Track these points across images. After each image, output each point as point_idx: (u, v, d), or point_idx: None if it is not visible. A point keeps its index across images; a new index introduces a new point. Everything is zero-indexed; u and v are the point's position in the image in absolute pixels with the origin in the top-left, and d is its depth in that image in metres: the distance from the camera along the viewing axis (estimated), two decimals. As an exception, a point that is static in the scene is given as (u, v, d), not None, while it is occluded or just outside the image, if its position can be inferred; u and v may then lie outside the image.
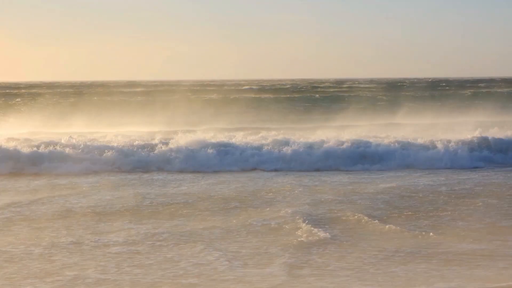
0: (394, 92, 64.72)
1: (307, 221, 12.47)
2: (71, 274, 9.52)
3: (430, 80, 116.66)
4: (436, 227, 12.37)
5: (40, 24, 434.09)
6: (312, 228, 11.95)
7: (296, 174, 19.83)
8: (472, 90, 66.63)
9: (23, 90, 75.15)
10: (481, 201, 14.66)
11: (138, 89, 74.82)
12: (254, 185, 17.39)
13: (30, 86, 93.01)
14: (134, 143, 22.60)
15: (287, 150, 22.20)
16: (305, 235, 11.60)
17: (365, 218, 12.87)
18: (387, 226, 12.21)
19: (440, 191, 16.21)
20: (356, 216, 13.05)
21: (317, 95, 60.80)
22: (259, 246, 11.04)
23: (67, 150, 21.65)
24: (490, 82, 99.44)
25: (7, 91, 72.94)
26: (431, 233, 11.74)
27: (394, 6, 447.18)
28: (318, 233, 11.62)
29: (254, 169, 21.05)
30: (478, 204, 14.39)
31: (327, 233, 11.65)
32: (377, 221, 12.66)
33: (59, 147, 21.88)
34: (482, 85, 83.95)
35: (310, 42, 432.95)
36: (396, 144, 22.96)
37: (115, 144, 22.43)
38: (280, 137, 24.03)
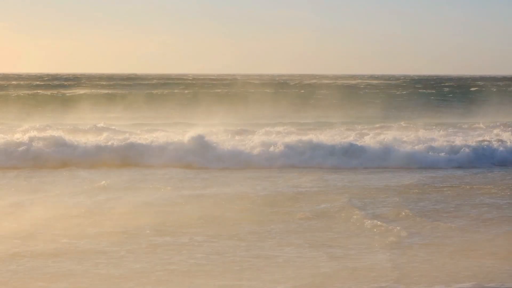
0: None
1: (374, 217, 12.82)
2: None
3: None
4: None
5: (36, 17, 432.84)
6: (382, 223, 12.24)
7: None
8: None
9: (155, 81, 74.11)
10: None
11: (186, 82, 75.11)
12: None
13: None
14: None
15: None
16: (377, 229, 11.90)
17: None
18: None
19: None
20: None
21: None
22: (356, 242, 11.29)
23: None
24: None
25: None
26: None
27: (395, 3, 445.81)
28: (393, 230, 11.86)
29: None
30: None
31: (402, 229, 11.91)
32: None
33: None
34: None
35: (309, 38, 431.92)
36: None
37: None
38: None
